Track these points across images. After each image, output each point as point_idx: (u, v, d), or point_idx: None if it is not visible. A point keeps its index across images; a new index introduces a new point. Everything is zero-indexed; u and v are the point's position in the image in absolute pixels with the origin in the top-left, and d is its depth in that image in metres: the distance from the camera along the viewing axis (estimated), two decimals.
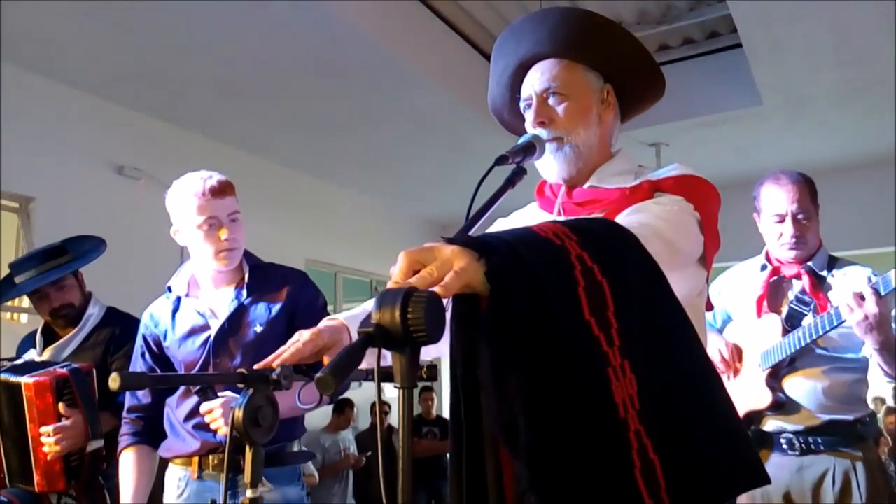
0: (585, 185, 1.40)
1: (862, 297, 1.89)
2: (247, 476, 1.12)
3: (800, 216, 2.20)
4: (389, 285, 0.84)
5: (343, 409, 6.08)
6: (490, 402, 0.87)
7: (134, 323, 2.61)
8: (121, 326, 2.58)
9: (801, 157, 6.11)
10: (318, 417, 6.12)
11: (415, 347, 0.80)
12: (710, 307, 1.40)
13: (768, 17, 3.92)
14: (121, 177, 4.67)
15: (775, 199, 2.23)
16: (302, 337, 1.23)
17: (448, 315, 0.90)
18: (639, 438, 0.87)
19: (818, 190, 2.25)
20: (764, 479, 0.97)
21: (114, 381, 1.01)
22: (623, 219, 1.15)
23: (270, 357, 1.21)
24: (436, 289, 0.81)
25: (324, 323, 1.28)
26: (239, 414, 1.11)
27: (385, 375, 0.92)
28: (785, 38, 4.15)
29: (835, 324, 2.02)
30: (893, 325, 2.01)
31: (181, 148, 4.98)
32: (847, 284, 2.10)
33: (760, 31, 4.11)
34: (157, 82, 4.44)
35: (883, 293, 1.87)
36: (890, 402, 6.36)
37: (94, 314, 2.62)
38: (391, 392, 6.99)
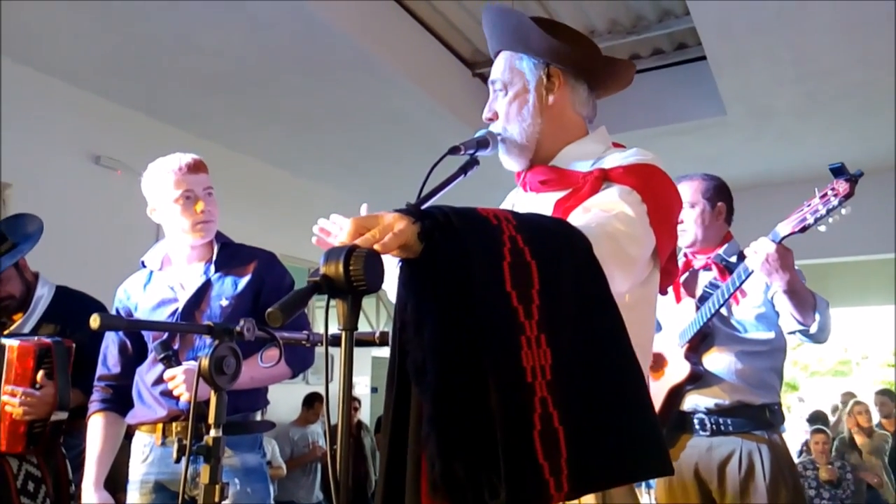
0: (550, 164, 1.44)
1: (760, 247, 2.06)
2: (211, 417, 1.21)
3: (693, 208, 2.46)
4: (336, 244, 0.95)
5: (312, 404, 6.17)
6: (409, 344, 0.96)
7: (88, 300, 2.66)
8: (74, 305, 2.59)
9: (765, 168, 6.25)
10: (289, 412, 6.19)
11: (356, 296, 0.93)
12: (664, 291, 1.43)
13: (731, 29, 4.06)
14: (97, 166, 4.72)
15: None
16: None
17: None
18: (544, 405, 0.94)
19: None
20: (668, 471, 1.04)
21: (94, 321, 1.10)
22: (578, 218, 1.19)
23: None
24: (375, 247, 0.93)
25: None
26: (205, 362, 1.21)
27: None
28: (747, 51, 4.29)
29: (737, 284, 2.18)
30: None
31: (158, 140, 5.02)
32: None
33: (723, 44, 4.25)
34: (136, 75, 4.50)
35: (775, 242, 2.04)
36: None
37: (43, 295, 2.62)
38: (361, 389, 7.02)
